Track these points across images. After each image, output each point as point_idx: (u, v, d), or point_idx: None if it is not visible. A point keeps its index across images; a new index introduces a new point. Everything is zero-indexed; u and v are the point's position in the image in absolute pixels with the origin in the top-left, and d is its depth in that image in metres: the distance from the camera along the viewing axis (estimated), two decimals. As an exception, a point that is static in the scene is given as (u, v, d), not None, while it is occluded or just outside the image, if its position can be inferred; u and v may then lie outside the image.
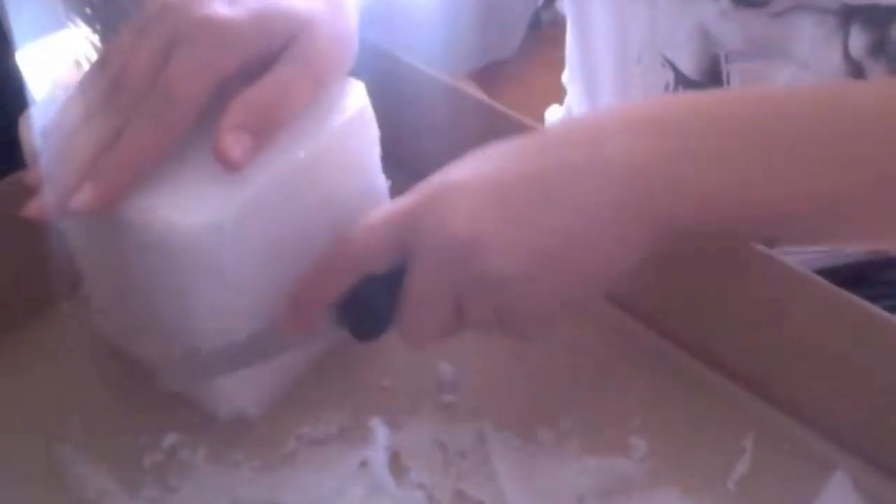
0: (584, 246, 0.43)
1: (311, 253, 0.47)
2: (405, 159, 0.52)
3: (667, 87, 0.70)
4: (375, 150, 0.51)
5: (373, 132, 0.50)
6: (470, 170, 0.45)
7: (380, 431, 0.50)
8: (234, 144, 0.43)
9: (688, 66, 0.68)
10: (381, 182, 0.52)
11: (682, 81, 0.69)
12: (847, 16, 0.61)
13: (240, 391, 0.50)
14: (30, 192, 0.45)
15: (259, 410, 0.51)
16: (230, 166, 0.43)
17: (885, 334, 0.45)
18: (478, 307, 0.45)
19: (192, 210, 0.43)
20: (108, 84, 0.45)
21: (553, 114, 0.93)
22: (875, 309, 0.45)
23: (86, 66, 1.39)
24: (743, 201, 0.42)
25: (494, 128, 0.58)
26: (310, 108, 0.47)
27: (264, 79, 0.45)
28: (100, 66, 0.46)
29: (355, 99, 0.49)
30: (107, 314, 0.54)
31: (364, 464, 0.49)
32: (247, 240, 0.45)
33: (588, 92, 0.81)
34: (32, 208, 0.45)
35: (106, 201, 0.43)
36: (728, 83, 0.67)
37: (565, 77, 0.88)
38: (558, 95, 0.91)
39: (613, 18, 0.73)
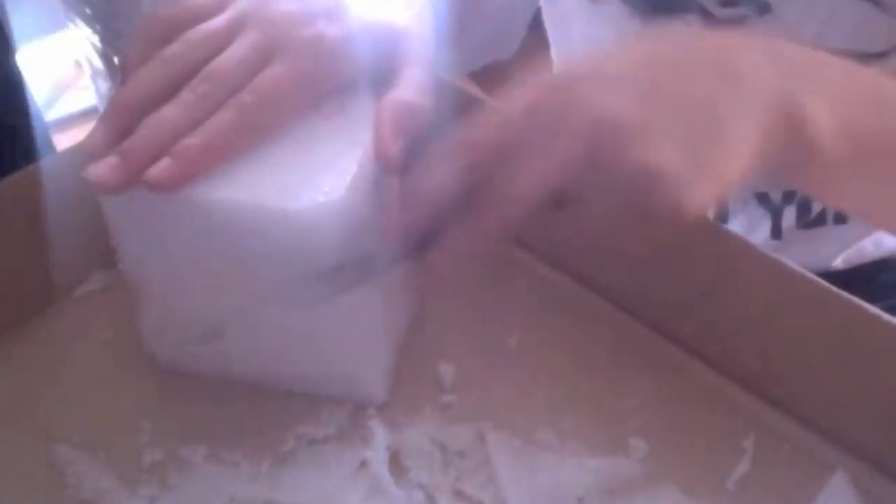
0: (730, 119, 0.41)
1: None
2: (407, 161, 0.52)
3: None
4: None
5: None
6: (591, 64, 0.44)
7: (379, 431, 0.50)
8: (394, 148, 0.46)
9: None
10: None
11: None
12: None
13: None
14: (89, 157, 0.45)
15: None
16: (391, 170, 0.46)
17: (885, 335, 0.45)
18: (602, 201, 0.42)
19: (310, 193, 0.44)
20: (190, 66, 0.46)
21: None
22: (875, 310, 0.45)
23: (86, 67, 1.39)
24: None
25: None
26: None
27: (403, 85, 0.48)
28: (183, 46, 0.47)
29: None
30: (158, 312, 0.52)
31: (363, 464, 0.49)
32: (363, 215, 0.46)
33: None
34: (95, 173, 0.44)
35: (182, 181, 0.44)
36: None
37: None
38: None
39: (589, 44, 0.73)
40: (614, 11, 0.67)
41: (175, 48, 0.47)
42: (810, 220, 0.71)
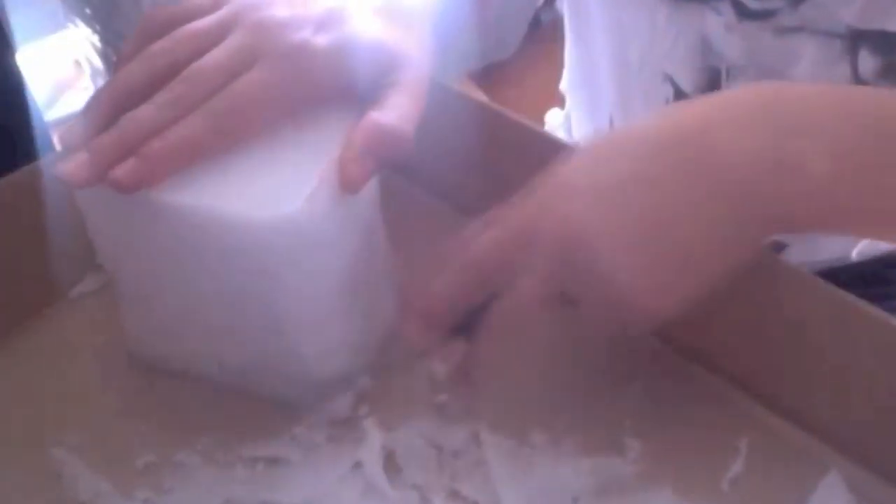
0: (699, 241, 0.43)
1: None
2: (405, 164, 0.52)
3: (667, 102, 0.69)
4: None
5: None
6: (575, 171, 0.46)
7: (373, 432, 0.50)
8: (360, 170, 0.46)
9: (687, 81, 0.68)
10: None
11: (681, 98, 0.68)
12: (854, 40, 0.60)
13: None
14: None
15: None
16: (352, 191, 0.46)
17: (883, 336, 0.45)
18: (589, 303, 0.46)
19: (268, 203, 0.44)
20: (174, 64, 0.46)
21: (554, 117, 0.92)
22: (874, 310, 0.45)
23: (86, 67, 1.40)
24: (856, 205, 0.43)
25: (495, 131, 0.58)
26: None
27: (387, 109, 0.47)
28: (170, 43, 0.47)
29: None
30: (134, 309, 0.53)
31: (358, 464, 0.49)
32: (321, 230, 0.46)
33: (590, 101, 0.81)
34: (64, 168, 0.44)
35: (145, 182, 0.44)
36: None
37: (563, 85, 0.88)
38: (558, 96, 0.91)
39: (613, 30, 0.72)
40: None
41: (162, 44, 0.46)
42: None
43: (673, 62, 0.68)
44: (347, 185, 0.45)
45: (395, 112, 0.47)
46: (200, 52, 0.46)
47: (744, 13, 0.62)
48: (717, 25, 0.64)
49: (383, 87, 0.48)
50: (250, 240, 0.44)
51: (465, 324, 0.47)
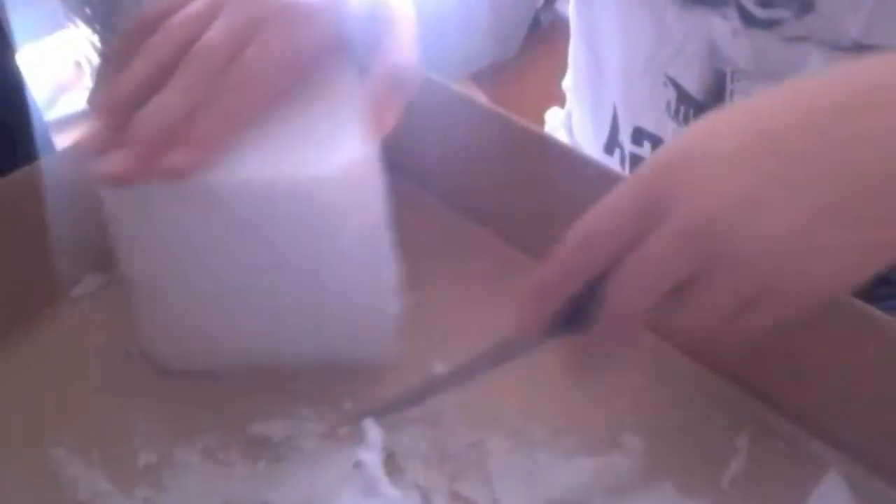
0: (856, 218, 0.38)
1: None
2: (406, 165, 0.52)
3: (667, 107, 0.70)
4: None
5: None
6: (712, 127, 0.40)
7: (374, 431, 0.50)
8: (392, 113, 0.47)
9: (692, 83, 0.68)
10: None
11: (685, 100, 0.69)
12: (858, 53, 0.60)
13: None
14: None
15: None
16: (384, 134, 0.47)
17: (881, 335, 0.45)
18: (715, 292, 0.39)
19: (327, 159, 0.44)
20: (172, 52, 0.46)
21: (554, 116, 0.93)
22: (872, 309, 0.45)
23: (86, 67, 1.39)
24: None
25: (496, 133, 0.58)
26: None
27: (391, 47, 0.48)
28: (166, 32, 0.47)
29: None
30: (154, 310, 0.52)
31: (359, 464, 0.49)
32: (369, 181, 0.46)
33: (593, 99, 0.81)
34: (107, 167, 0.44)
35: (198, 166, 0.44)
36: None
37: (566, 83, 0.88)
38: (558, 96, 0.91)
39: (620, 31, 0.73)
40: None
41: (156, 38, 0.47)
42: None
43: (679, 64, 0.68)
44: (384, 129, 0.47)
45: (401, 47, 0.49)
46: (198, 34, 0.46)
47: (749, 21, 0.62)
48: (724, 30, 0.64)
49: (377, 24, 0.49)
50: (320, 197, 0.44)
51: (571, 317, 0.43)
